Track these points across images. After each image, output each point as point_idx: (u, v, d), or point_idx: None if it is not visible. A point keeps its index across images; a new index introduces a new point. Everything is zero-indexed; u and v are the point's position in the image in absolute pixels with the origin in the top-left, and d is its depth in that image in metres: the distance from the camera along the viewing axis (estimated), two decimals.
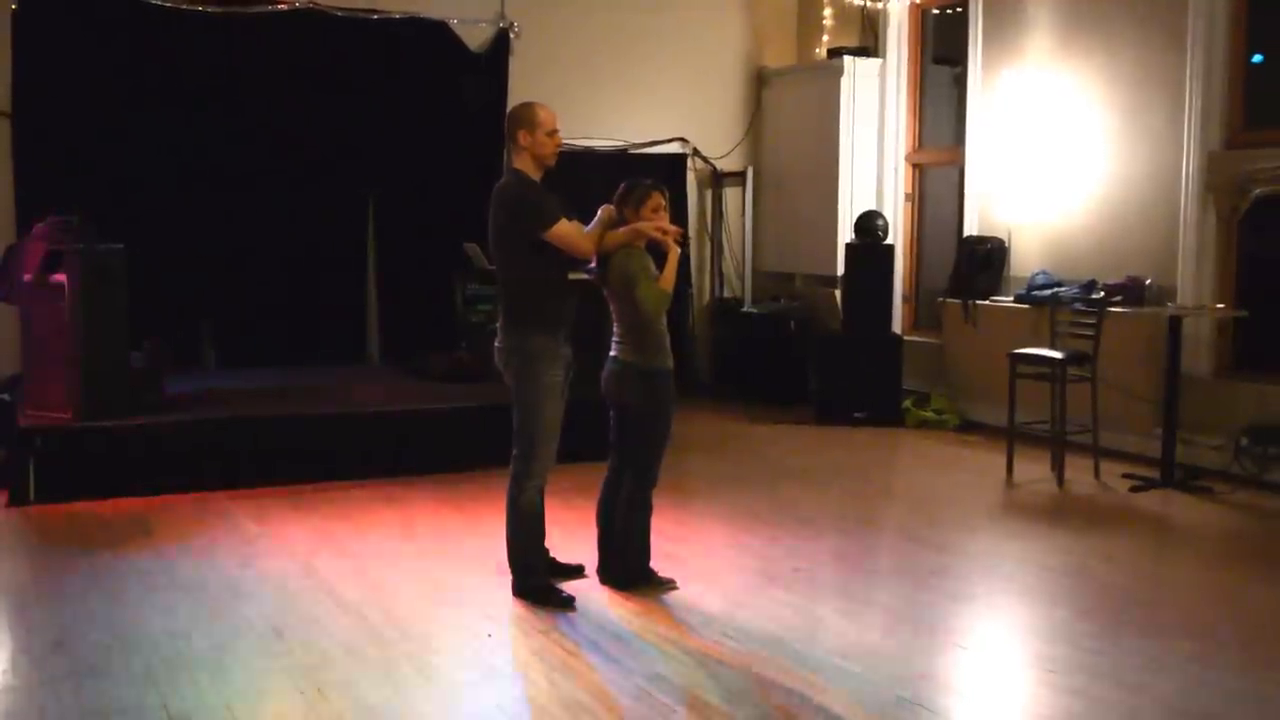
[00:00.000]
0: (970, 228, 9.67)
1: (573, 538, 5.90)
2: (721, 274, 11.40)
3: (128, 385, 7.39)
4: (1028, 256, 9.17)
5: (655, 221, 5.26)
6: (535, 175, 5.25)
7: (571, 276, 5.38)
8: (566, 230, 5.16)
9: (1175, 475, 7.49)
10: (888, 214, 10.19)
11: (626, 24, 10.74)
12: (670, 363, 5.34)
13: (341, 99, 9.65)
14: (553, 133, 5.23)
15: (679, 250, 5.29)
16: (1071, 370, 7.64)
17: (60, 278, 7.12)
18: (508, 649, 4.83)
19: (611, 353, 5.36)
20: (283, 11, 9.40)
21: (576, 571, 5.58)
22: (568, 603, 5.21)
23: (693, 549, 6.10)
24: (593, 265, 5.35)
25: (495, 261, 5.39)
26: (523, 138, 5.22)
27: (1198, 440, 7.82)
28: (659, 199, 5.32)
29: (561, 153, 5.35)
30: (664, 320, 5.31)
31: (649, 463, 5.36)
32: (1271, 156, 7.57)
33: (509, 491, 5.32)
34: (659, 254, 5.28)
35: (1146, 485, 7.46)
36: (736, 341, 10.98)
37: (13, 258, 7.59)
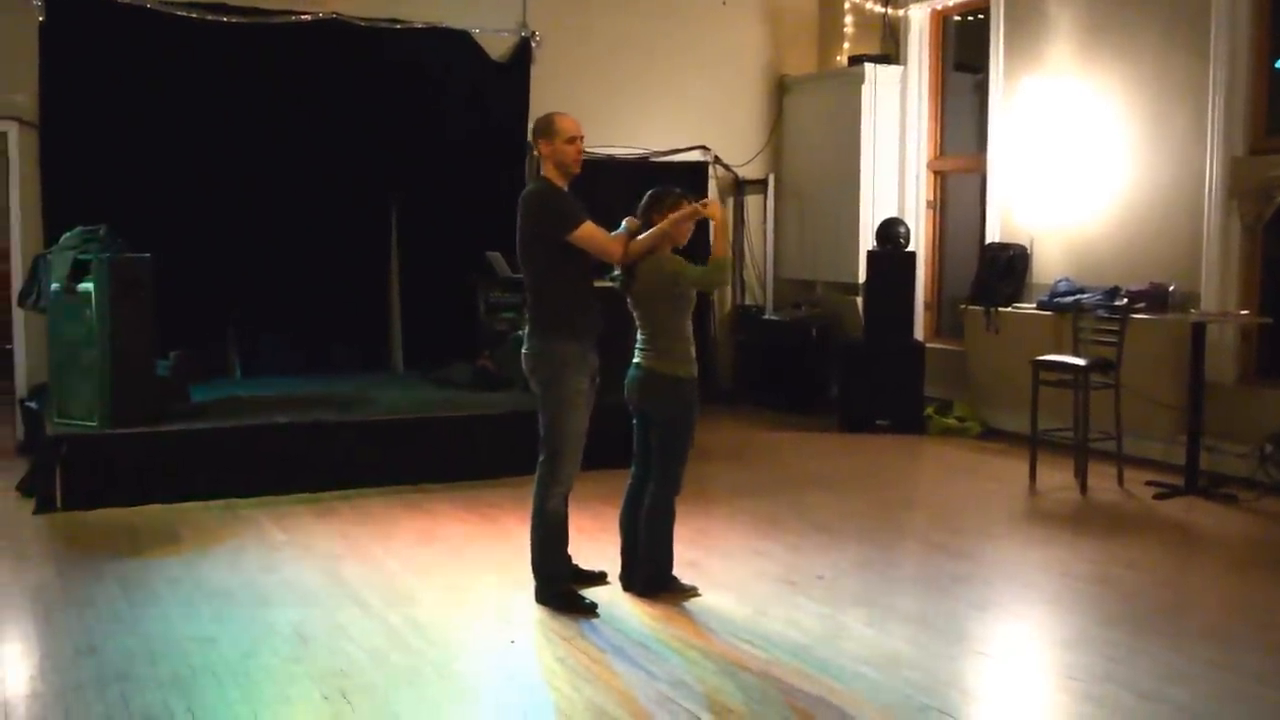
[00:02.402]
0: (992, 234, 9.65)
1: (596, 544, 5.92)
2: (743, 281, 11.40)
3: (154, 393, 7.45)
4: (1050, 263, 9.15)
5: (684, 212, 5.28)
6: (561, 183, 5.29)
7: (599, 284, 5.43)
8: (591, 232, 5.20)
9: (1199, 482, 7.46)
10: (909, 221, 10.19)
11: (648, 32, 10.77)
12: (695, 370, 5.34)
13: (364, 108, 9.70)
14: (572, 140, 5.26)
15: (721, 213, 5.32)
16: (1094, 377, 7.62)
17: (88, 287, 7.18)
18: (531, 656, 4.84)
19: (635, 359, 5.37)
20: (306, 22, 9.46)
21: (599, 578, 5.60)
22: (590, 609, 5.23)
23: (715, 556, 6.11)
24: (618, 272, 5.38)
25: (522, 268, 5.42)
26: (543, 146, 5.28)
27: (1222, 447, 7.78)
28: (687, 206, 5.36)
29: (583, 161, 5.38)
30: (689, 327, 5.33)
31: (673, 470, 5.37)
32: None
33: (535, 497, 5.34)
34: (686, 256, 5.34)
35: (1170, 492, 7.43)
36: (758, 349, 10.98)
37: (41, 267, 7.67)
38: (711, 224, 5.30)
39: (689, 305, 5.34)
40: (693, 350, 5.34)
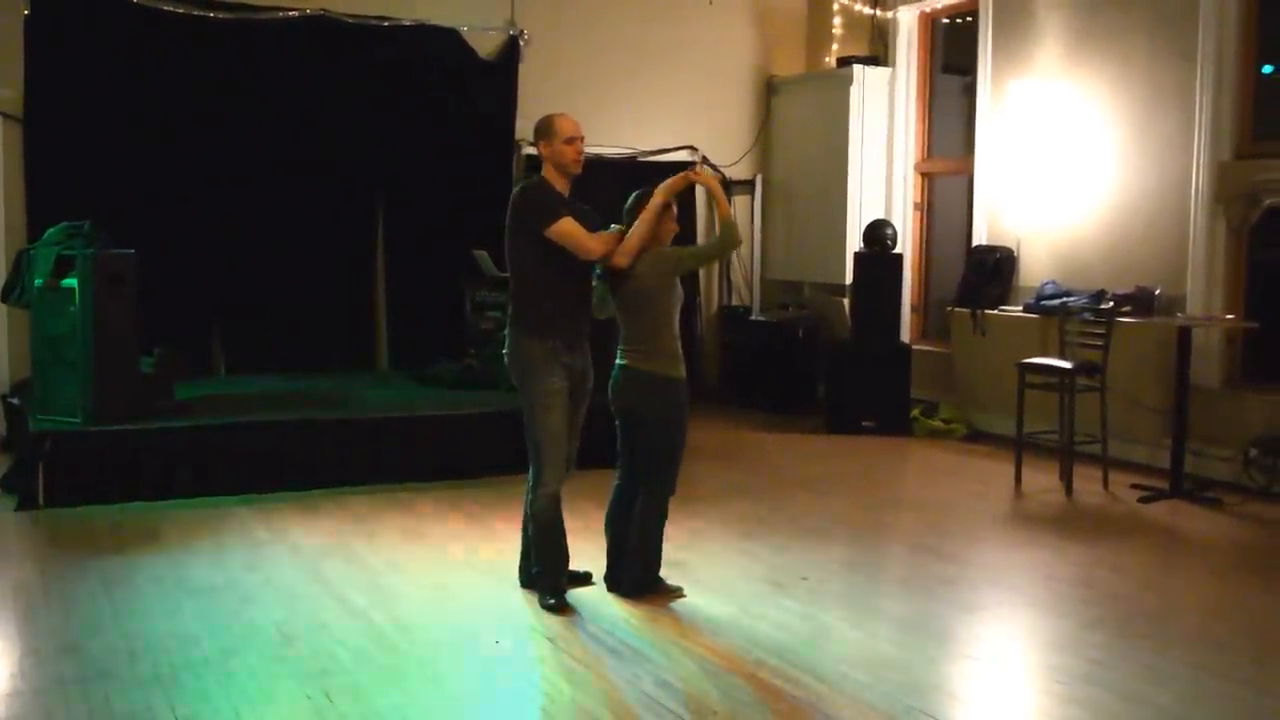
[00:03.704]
0: (979, 237, 9.67)
1: (581, 544, 5.89)
2: (730, 282, 11.40)
3: (138, 390, 7.41)
4: (1037, 266, 9.16)
5: (675, 179, 5.38)
6: (560, 183, 5.31)
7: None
8: (569, 228, 5.19)
9: (1184, 486, 7.47)
10: (896, 223, 10.19)
11: (636, 32, 10.76)
12: (684, 371, 5.33)
13: (352, 105, 9.66)
14: (571, 140, 5.28)
15: (711, 178, 5.32)
16: (1080, 380, 7.63)
17: (72, 282, 7.14)
18: (516, 656, 4.83)
19: (620, 361, 5.34)
20: (293, 18, 9.42)
21: (585, 578, 5.58)
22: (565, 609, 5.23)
23: (701, 557, 6.10)
24: (600, 272, 5.36)
25: (507, 264, 5.44)
26: (543, 148, 5.33)
27: (1207, 451, 7.80)
28: (671, 206, 5.36)
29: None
30: (677, 326, 5.31)
31: (667, 472, 5.33)
32: None
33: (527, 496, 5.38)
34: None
35: (1155, 496, 7.45)
36: (745, 349, 10.97)
37: (25, 262, 7.62)
38: (706, 193, 5.34)
39: (679, 301, 5.34)
40: (680, 349, 5.33)
